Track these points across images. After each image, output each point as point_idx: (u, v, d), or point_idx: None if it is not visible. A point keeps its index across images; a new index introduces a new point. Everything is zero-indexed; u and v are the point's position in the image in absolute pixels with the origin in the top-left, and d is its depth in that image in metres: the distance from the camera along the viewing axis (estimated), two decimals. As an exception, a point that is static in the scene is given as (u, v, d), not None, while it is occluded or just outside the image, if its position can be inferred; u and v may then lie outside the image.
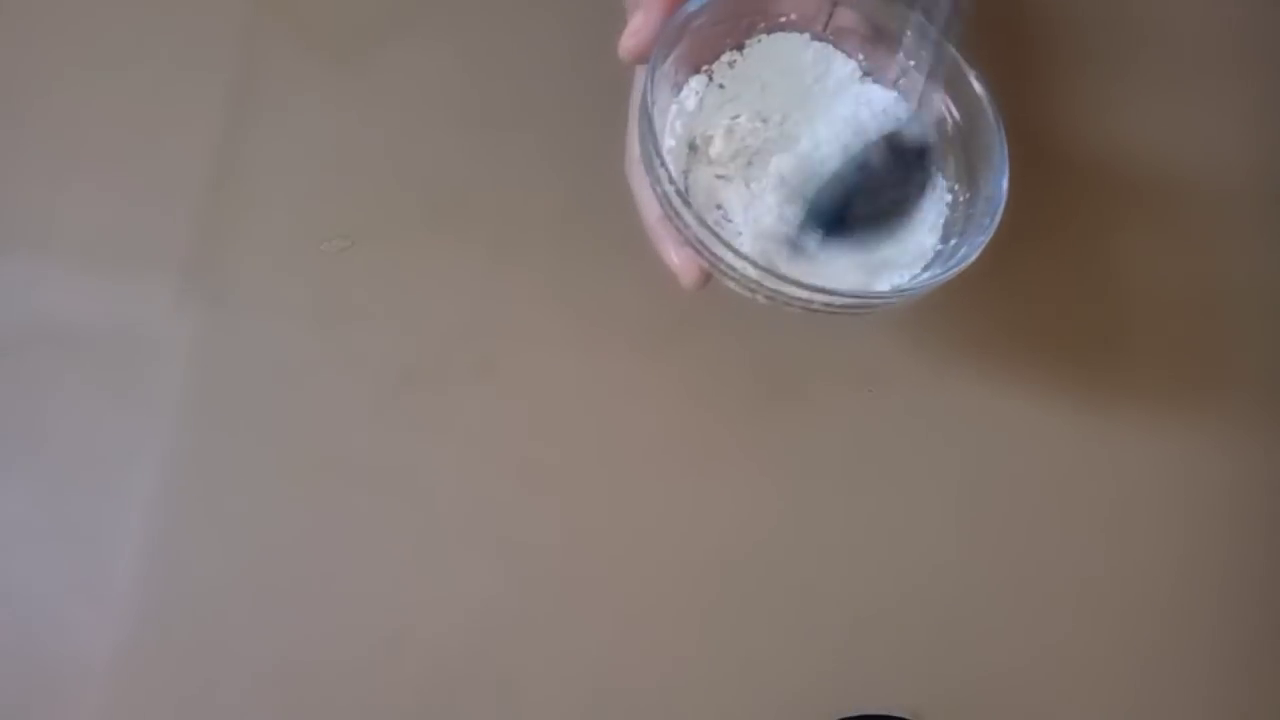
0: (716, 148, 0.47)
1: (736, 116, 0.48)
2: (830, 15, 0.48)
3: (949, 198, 0.47)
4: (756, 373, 0.53)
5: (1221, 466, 0.52)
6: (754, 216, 0.46)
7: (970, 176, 0.47)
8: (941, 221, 0.47)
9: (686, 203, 0.42)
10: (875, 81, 0.48)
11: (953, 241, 0.46)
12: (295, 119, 0.54)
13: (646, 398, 0.52)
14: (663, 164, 0.42)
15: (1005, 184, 0.45)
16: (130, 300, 0.52)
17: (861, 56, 0.48)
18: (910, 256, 0.47)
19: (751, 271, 0.42)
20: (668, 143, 0.46)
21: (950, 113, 0.47)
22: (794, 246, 0.45)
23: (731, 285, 0.44)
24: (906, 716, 0.49)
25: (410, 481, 0.51)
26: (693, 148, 0.48)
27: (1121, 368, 0.53)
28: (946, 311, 0.53)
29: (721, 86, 0.48)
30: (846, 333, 0.53)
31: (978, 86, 0.46)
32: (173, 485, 0.50)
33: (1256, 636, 0.51)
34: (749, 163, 0.47)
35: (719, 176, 0.47)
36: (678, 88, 0.47)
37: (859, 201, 0.46)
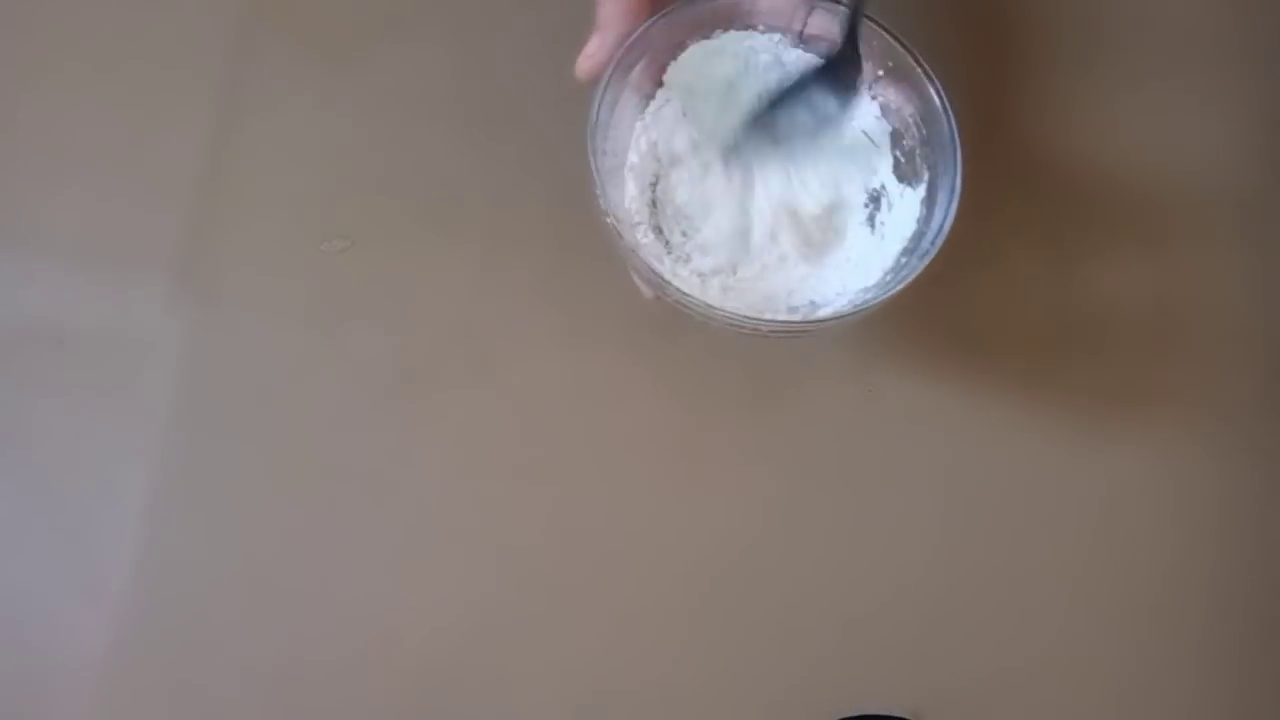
0: (676, 157, 0.49)
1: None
2: (805, 23, 0.48)
3: (919, 211, 0.47)
4: (749, 373, 0.52)
5: (1209, 467, 0.52)
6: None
7: (930, 197, 0.47)
8: (909, 234, 0.47)
9: (619, 234, 0.44)
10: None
11: (903, 260, 0.46)
12: (288, 119, 0.54)
13: (641, 398, 0.52)
14: (602, 191, 0.44)
15: (954, 207, 0.44)
16: (122, 300, 0.52)
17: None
18: (868, 268, 0.47)
19: (684, 297, 0.44)
20: (631, 159, 0.48)
21: (917, 126, 0.47)
22: (730, 149, 0.48)
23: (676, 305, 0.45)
24: (906, 716, 0.49)
25: (403, 482, 0.51)
26: (659, 159, 0.49)
27: (1113, 368, 0.53)
28: (934, 313, 0.52)
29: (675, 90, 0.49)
30: (837, 334, 0.52)
31: (936, 102, 0.46)
32: (165, 485, 0.50)
33: (1248, 633, 0.51)
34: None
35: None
36: (646, 99, 0.48)
37: (785, 108, 0.47)
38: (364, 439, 0.51)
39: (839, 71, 0.47)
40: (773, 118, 0.48)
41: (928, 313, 0.52)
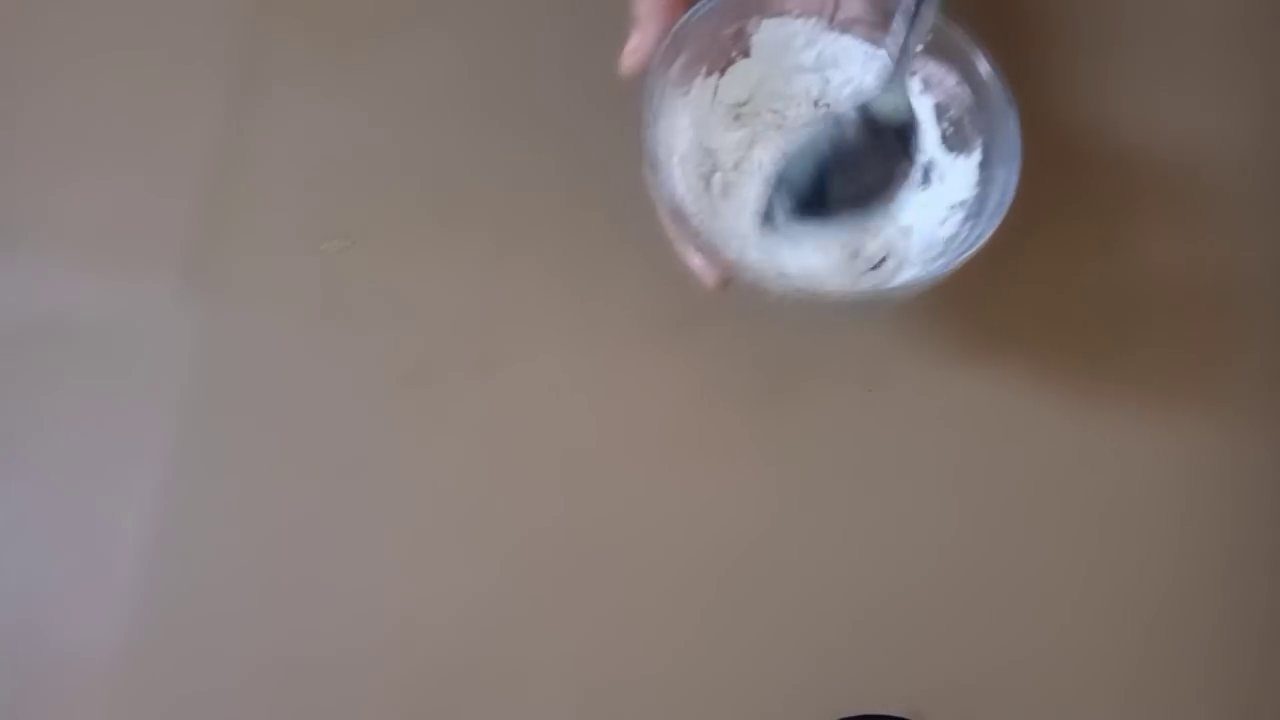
0: (726, 148, 0.48)
1: (739, 115, 0.49)
2: (836, 6, 0.48)
3: (974, 182, 0.47)
4: (758, 369, 0.52)
5: (1223, 462, 0.52)
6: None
7: (986, 161, 0.47)
8: (968, 199, 0.47)
9: (686, 217, 0.44)
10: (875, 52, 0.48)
11: (968, 226, 0.46)
12: (297, 114, 0.54)
13: (646, 395, 0.52)
14: (665, 181, 0.44)
15: (1017, 171, 0.44)
16: (130, 296, 0.52)
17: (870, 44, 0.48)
18: (923, 244, 0.47)
19: (759, 274, 0.44)
20: (679, 149, 0.47)
21: (962, 94, 0.47)
22: (768, 222, 0.47)
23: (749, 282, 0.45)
24: (906, 716, 0.49)
25: (411, 478, 0.51)
26: (708, 150, 0.49)
27: (1122, 362, 0.53)
28: (946, 306, 0.52)
29: (723, 87, 0.49)
30: (848, 328, 0.52)
31: (984, 68, 0.46)
32: (172, 482, 0.50)
33: (1258, 632, 0.51)
34: (754, 158, 0.49)
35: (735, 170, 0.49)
36: (687, 92, 0.48)
37: (834, 177, 0.46)
38: (374, 436, 0.51)
39: (891, 129, 0.46)
40: (815, 191, 0.47)
41: (937, 308, 0.52)
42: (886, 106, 0.46)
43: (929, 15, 0.44)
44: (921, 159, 0.48)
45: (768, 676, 0.49)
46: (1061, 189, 0.54)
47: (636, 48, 0.46)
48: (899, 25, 0.45)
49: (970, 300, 0.53)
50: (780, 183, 0.47)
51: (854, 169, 0.47)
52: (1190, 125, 0.55)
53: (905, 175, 0.47)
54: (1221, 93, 0.56)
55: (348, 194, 0.53)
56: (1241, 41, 0.57)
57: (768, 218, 0.47)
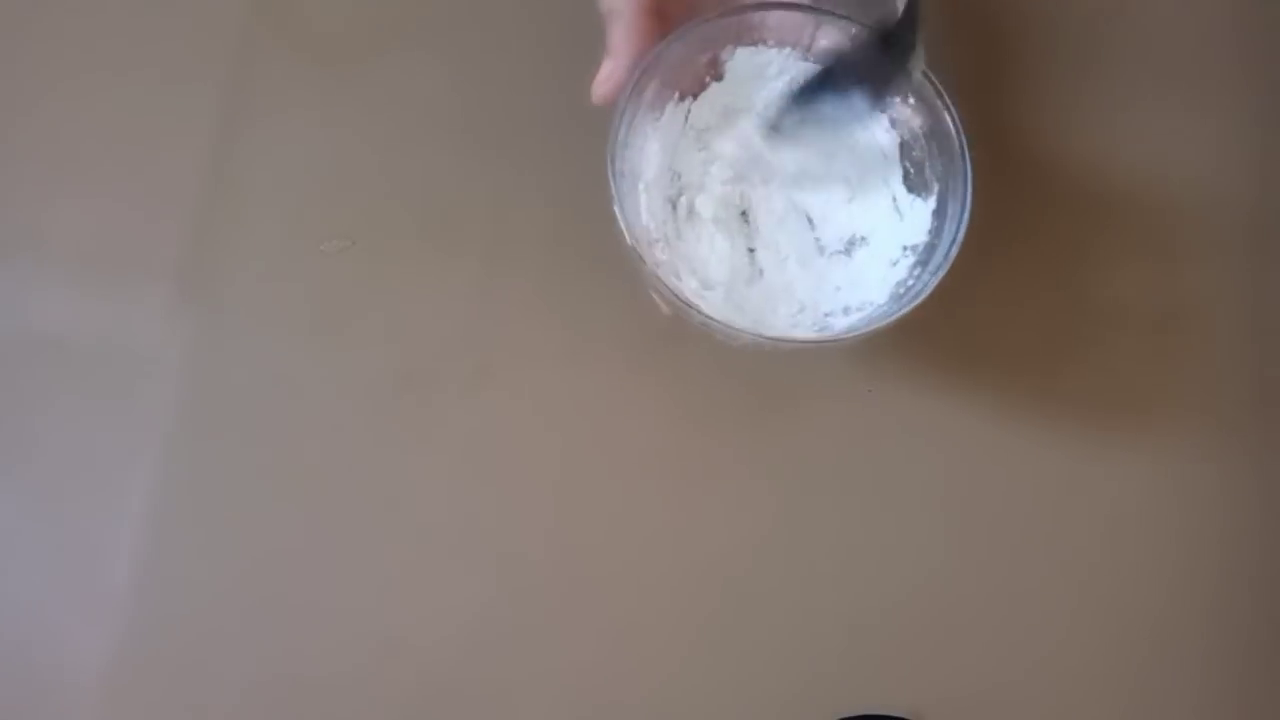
0: (693, 169, 0.49)
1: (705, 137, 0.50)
2: (813, 39, 0.48)
3: (927, 228, 0.48)
4: (750, 382, 0.53)
5: (1210, 472, 0.53)
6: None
7: (940, 210, 0.48)
8: (920, 245, 0.48)
9: (641, 258, 0.45)
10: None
11: (915, 273, 0.47)
12: (289, 129, 0.54)
13: (640, 407, 0.52)
14: (621, 213, 0.44)
15: (964, 224, 0.45)
16: (123, 309, 0.52)
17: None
18: (876, 286, 0.48)
19: (708, 321, 0.44)
20: (647, 174, 0.48)
21: (925, 138, 0.48)
22: (773, 127, 0.48)
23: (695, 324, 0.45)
24: (906, 716, 0.49)
25: (403, 491, 0.51)
26: (675, 174, 0.49)
27: (1116, 377, 0.54)
28: (938, 320, 0.52)
29: (695, 112, 0.50)
30: (844, 346, 0.53)
31: (948, 119, 0.46)
32: (166, 495, 0.50)
33: (1249, 637, 0.51)
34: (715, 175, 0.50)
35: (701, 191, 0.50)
36: (659, 118, 0.49)
37: (832, 79, 0.47)
38: (366, 449, 0.51)
39: (889, 52, 0.46)
40: (815, 98, 0.48)
41: (930, 322, 0.52)
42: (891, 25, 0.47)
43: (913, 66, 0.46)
44: (911, 72, 0.47)
45: (768, 677, 0.50)
46: (1046, 206, 0.55)
47: (608, 76, 0.46)
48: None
49: (963, 316, 0.53)
50: (789, 96, 0.48)
51: (851, 74, 0.47)
52: (1167, 145, 0.56)
53: (894, 85, 0.48)
54: (1194, 114, 0.57)
55: (338, 209, 0.53)
56: (1215, 67, 0.58)
57: (774, 124, 0.48)
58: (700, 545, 0.51)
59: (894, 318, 0.45)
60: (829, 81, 0.47)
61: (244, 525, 0.50)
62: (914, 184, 0.49)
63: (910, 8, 0.45)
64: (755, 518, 0.51)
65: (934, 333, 0.53)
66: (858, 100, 0.47)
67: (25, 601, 0.49)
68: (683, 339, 0.52)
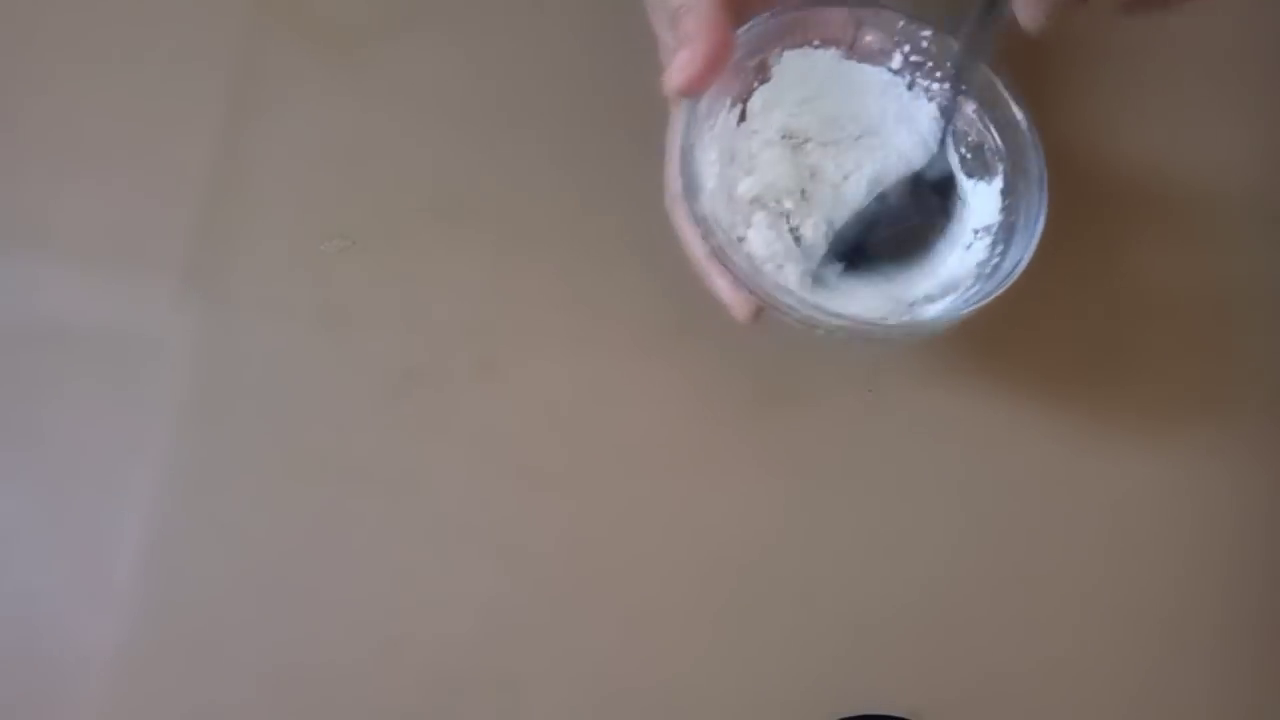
0: (751, 187, 0.48)
1: (770, 150, 0.49)
2: (854, 36, 0.48)
3: (998, 207, 0.48)
4: (759, 375, 0.53)
5: (1224, 476, 0.52)
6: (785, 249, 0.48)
7: (1009, 188, 0.47)
8: (989, 231, 0.47)
9: (737, 253, 0.44)
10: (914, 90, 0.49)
11: (997, 251, 0.47)
12: (297, 117, 0.53)
13: (649, 400, 0.52)
14: (711, 216, 0.43)
15: (1042, 220, 0.45)
16: (129, 300, 0.51)
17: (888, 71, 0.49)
18: (944, 282, 0.48)
19: (802, 310, 0.44)
20: (708, 184, 0.46)
21: (992, 137, 0.48)
22: (816, 278, 0.47)
23: (783, 319, 0.45)
24: (906, 716, 0.49)
25: (411, 483, 0.51)
26: (731, 182, 0.48)
27: (1125, 374, 0.53)
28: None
29: (751, 116, 0.48)
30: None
31: (1018, 114, 0.46)
32: (172, 486, 0.50)
33: (1257, 642, 0.51)
34: (783, 200, 0.49)
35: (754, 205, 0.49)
36: (713, 125, 0.47)
37: (879, 232, 0.48)
38: (374, 440, 0.51)
39: (931, 187, 0.48)
40: (858, 244, 0.48)
41: None
42: (932, 171, 0.48)
43: (972, 81, 0.46)
44: (960, 215, 0.49)
45: (769, 677, 0.50)
46: (1069, 206, 0.53)
47: (685, 65, 0.42)
48: (946, 92, 0.47)
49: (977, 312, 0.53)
50: (832, 243, 0.48)
51: (896, 222, 0.48)
52: (1201, 145, 0.56)
53: (943, 230, 0.48)
54: (1231, 113, 0.56)
55: (348, 198, 0.53)
56: (1251, 63, 0.57)
57: (817, 277, 0.48)
58: (705, 540, 0.51)
59: (992, 296, 0.44)
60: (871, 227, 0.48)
61: (251, 516, 0.50)
62: (972, 168, 0.49)
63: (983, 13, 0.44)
64: (759, 512, 0.51)
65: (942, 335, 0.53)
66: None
67: (32, 591, 0.49)
68: (694, 330, 0.52)
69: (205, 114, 0.53)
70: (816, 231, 0.48)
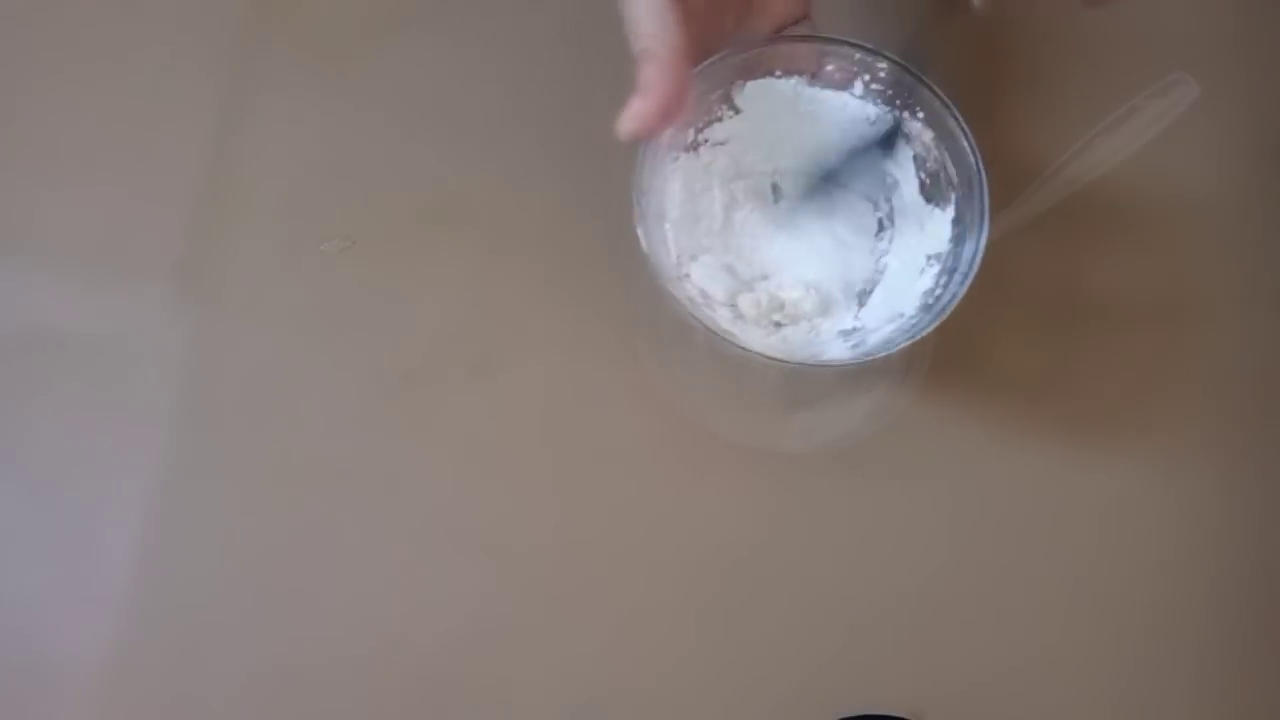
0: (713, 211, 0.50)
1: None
2: (819, 66, 0.48)
3: (948, 236, 0.48)
4: (750, 379, 0.53)
5: (1209, 475, 0.52)
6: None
7: (958, 218, 0.48)
8: (939, 259, 0.48)
9: (694, 312, 0.45)
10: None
11: (942, 281, 0.47)
12: (289, 121, 0.54)
13: (641, 402, 0.52)
14: (652, 254, 0.45)
15: (982, 246, 0.45)
16: (122, 303, 0.51)
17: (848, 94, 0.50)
18: (901, 288, 0.48)
19: (747, 351, 0.45)
20: (671, 214, 0.48)
21: (947, 167, 0.48)
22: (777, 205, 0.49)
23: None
24: (906, 716, 0.49)
25: (404, 485, 0.51)
26: (697, 216, 0.49)
27: (1111, 378, 0.53)
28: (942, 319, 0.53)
29: (709, 146, 0.50)
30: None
31: (966, 145, 0.47)
32: (165, 490, 0.50)
33: (1246, 637, 0.51)
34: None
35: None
36: (676, 158, 0.48)
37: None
38: (366, 442, 0.51)
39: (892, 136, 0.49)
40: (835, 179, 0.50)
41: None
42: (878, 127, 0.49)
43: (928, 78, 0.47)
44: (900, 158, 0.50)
45: (768, 677, 0.49)
46: (1049, 211, 0.53)
47: (637, 114, 0.43)
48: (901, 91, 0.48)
49: (961, 315, 0.52)
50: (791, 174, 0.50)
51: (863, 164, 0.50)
52: (1163, 146, 0.54)
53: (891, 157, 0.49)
54: (1193, 116, 0.55)
55: (340, 201, 0.53)
56: (1212, 66, 0.56)
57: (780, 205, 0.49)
58: (700, 539, 0.51)
59: (929, 328, 0.45)
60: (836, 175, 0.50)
61: (243, 518, 0.50)
62: (931, 194, 0.49)
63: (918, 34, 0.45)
64: (754, 512, 0.51)
65: (941, 329, 0.53)
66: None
67: (24, 594, 0.49)
68: (686, 330, 0.52)
69: (197, 118, 0.54)
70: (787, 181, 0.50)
